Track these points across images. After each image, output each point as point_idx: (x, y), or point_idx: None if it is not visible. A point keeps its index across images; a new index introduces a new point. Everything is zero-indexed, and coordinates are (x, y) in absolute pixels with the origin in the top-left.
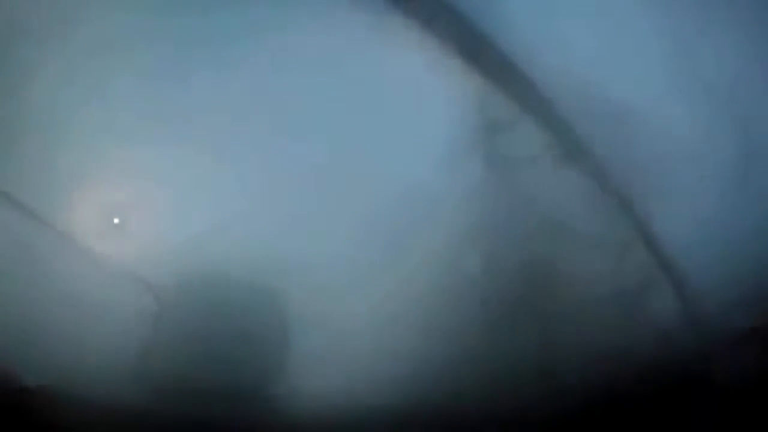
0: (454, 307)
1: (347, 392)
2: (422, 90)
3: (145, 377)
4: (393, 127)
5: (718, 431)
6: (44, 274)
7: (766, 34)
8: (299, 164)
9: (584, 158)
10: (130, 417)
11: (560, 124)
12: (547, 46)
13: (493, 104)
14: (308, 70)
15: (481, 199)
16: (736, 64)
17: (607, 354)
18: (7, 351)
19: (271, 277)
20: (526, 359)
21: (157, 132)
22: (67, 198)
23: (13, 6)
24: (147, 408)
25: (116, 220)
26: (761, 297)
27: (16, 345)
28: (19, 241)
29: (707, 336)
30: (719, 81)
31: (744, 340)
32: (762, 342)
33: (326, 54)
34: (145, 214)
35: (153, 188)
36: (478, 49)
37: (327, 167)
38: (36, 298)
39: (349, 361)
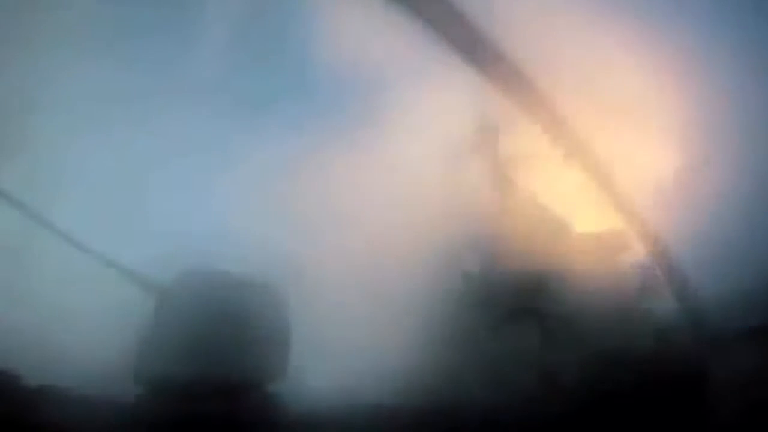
0: (455, 306)
1: (347, 389)
2: (421, 89)
3: (144, 374)
4: (392, 126)
5: (718, 429)
6: (44, 273)
7: None
8: (297, 163)
9: (584, 158)
10: (129, 413)
11: (560, 124)
12: (547, 47)
13: (493, 104)
14: (308, 68)
15: (481, 198)
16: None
17: (607, 353)
18: (7, 351)
19: (271, 276)
20: (525, 358)
21: (156, 132)
22: (66, 198)
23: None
24: (147, 404)
25: (114, 221)
26: (760, 297)
27: (17, 345)
28: (19, 242)
29: (706, 335)
30: (719, 82)
31: (743, 340)
32: (761, 341)
33: (325, 53)
34: (143, 214)
35: (152, 188)
36: (477, 49)
37: (326, 165)
38: (36, 297)
39: (349, 359)
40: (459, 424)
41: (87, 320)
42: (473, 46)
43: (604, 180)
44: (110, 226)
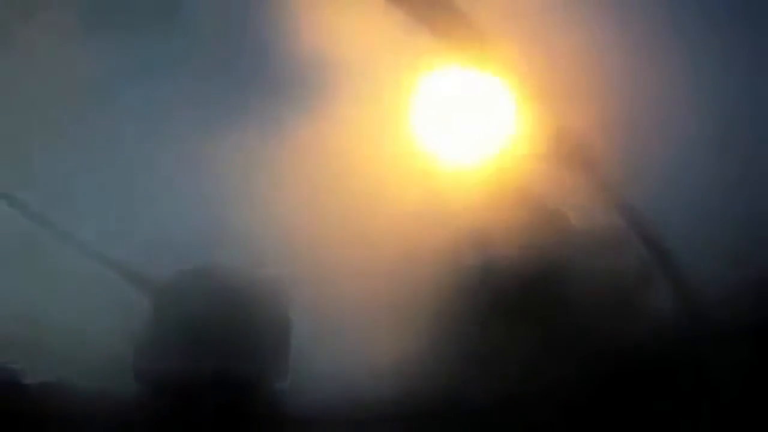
0: (455, 304)
1: (347, 387)
2: (420, 89)
3: (144, 371)
4: (389, 121)
5: (716, 426)
6: (44, 271)
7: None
8: (296, 161)
9: (584, 157)
10: (130, 410)
11: (561, 123)
12: (546, 48)
13: (490, 99)
14: (309, 68)
15: (481, 197)
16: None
17: (606, 350)
18: (9, 349)
19: (270, 272)
20: (525, 356)
21: (155, 131)
22: (67, 198)
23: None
24: (147, 401)
25: (114, 218)
26: (758, 294)
27: (18, 343)
28: (20, 240)
29: (705, 332)
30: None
31: (741, 336)
32: (758, 338)
33: (315, 47)
34: (142, 212)
35: (149, 186)
36: (477, 48)
37: (322, 161)
38: (36, 295)
39: (349, 356)
40: (458, 419)
41: (87, 317)
42: (470, 37)
43: (603, 176)
44: (109, 224)
